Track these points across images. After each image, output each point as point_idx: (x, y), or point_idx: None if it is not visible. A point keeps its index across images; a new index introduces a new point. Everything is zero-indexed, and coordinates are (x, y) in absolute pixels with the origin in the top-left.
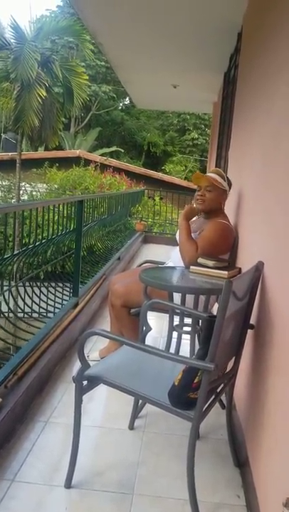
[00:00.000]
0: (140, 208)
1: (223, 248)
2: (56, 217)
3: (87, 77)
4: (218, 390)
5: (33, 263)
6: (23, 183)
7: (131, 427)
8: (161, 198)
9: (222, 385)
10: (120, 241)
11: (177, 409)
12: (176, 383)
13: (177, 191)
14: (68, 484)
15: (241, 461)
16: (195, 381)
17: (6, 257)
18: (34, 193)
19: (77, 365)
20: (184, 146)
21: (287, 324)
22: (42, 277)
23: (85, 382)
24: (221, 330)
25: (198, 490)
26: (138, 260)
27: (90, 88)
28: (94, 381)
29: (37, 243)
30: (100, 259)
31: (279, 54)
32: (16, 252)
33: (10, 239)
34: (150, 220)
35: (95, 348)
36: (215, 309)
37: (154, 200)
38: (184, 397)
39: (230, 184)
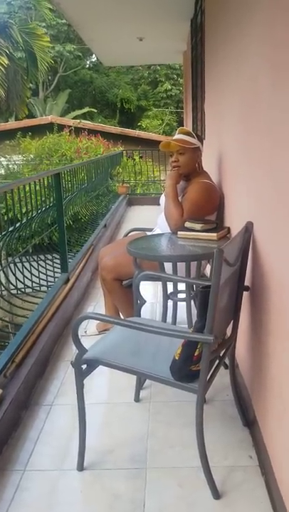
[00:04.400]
0: (121, 170)
1: (209, 208)
2: (38, 188)
3: (48, 39)
4: (221, 355)
5: (19, 240)
6: None
7: (137, 399)
8: (140, 157)
9: (223, 351)
10: (105, 205)
11: (181, 382)
12: (176, 357)
13: (156, 148)
14: (80, 467)
15: (250, 421)
16: (196, 354)
17: None
18: (10, 166)
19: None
20: (158, 98)
21: (281, 283)
22: (30, 251)
23: (84, 366)
24: (217, 301)
25: (210, 455)
26: (125, 226)
27: (53, 49)
28: (93, 364)
29: (17, 224)
30: (86, 225)
31: None
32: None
33: None
34: (132, 180)
35: (92, 321)
36: (208, 271)
37: (134, 159)
38: (186, 371)
39: (201, 139)
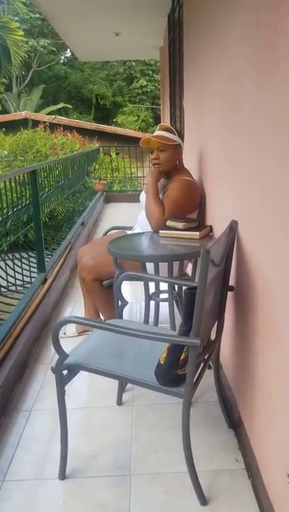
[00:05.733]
0: (97, 167)
1: (190, 206)
2: (13, 185)
3: (22, 33)
4: (206, 357)
5: None
6: None
7: (119, 403)
8: (117, 153)
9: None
10: (82, 202)
11: (166, 387)
12: (162, 362)
13: (133, 144)
14: (62, 476)
15: (235, 422)
16: (181, 358)
17: None
18: None
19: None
20: (134, 94)
21: (267, 282)
22: (6, 249)
23: (65, 372)
24: (203, 303)
25: (195, 459)
26: (103, 224)
27: (27, 44)
28: (74, 369)
29: None
30: (63, 223)
31: None
32: None
33: None
34: (109, 177)
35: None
36: (189, 270)
37: (111, 156)
38: (172, 375)
39: (181, 135)
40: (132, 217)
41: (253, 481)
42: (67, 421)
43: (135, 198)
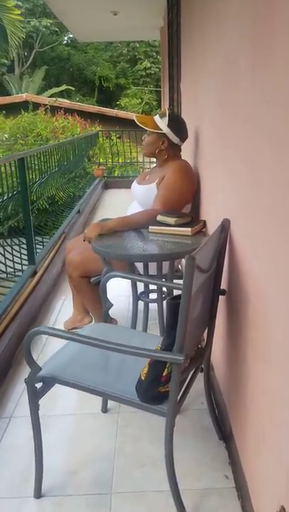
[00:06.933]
0: (98, 151)
1: (188, 189)
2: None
3: (19, 12)
4: (193, 371)
5: None
6: None
7: (104, 410)
8: (119, 137)
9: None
10: (82, 187)
11: (147, 404)
12: (142, 377)
13: (135, 128)
14: (38, 494)
15: (226, 434)
16: (164, 374)
17: None
18: None
19: (41, 344)
20: (138, 77)
21: (260, 286)
22: None
23: (39, 385)
24: (188, 315)
25: (182, 474)
26: (100, 211)
27: (29, 24)
28: (49, 382)
29: None
30: (64, 208)
31: None
32: None
33: None
34: (110, 161)
35: (60, 318)
36: (183, 265)
37: (112, 140)
38: (154, 392)
39: (180, 128)
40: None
41: (243, 503)
42: (41, 439)
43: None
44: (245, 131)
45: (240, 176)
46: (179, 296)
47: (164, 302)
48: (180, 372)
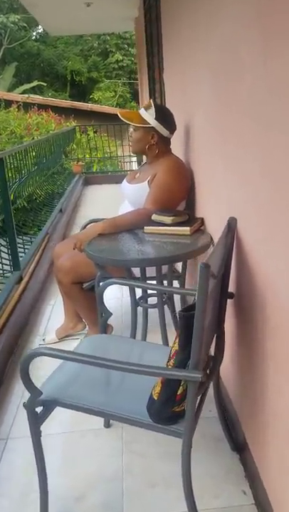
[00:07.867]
0: (75, 147)
1: (182, 188)
2: None
3: None
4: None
5: None
6: None
7: (107, 425)
8: (95, 132)
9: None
10: (60, 184)
11: (161, 425)
12: (155, 397)
13: (111, 122)
14: None
15: (239, 444)
16: (179, 392)
17: None
18: None
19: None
20: (110, 70)
21: (276, 287)
22: None
23: (39, 409)
24: (204, 329)
25: (198, 494)
26: (82, 209)
27: None
28: (50, 405)
29: None
30: (42, 206)
31: None
32: None
33: None
34: (88, 156)
35: (50, 326)
36: (179, 266)
37: (88, 134)
38: (168, 413)
39: (168, 120)
40: (114, 200)
41: None
42: (45, 465)
43: (116, 179)
44: (252, 127)
45: (248, 172)
46: (190, 307)
47: (165, 306)
48: (196, 389)
